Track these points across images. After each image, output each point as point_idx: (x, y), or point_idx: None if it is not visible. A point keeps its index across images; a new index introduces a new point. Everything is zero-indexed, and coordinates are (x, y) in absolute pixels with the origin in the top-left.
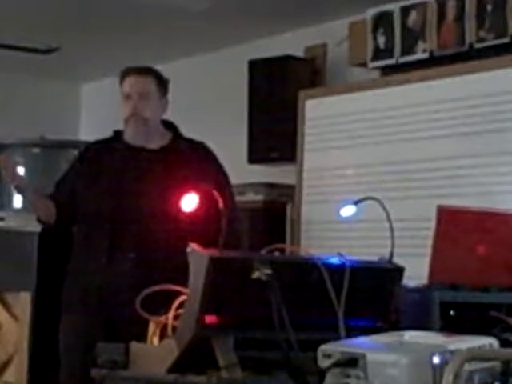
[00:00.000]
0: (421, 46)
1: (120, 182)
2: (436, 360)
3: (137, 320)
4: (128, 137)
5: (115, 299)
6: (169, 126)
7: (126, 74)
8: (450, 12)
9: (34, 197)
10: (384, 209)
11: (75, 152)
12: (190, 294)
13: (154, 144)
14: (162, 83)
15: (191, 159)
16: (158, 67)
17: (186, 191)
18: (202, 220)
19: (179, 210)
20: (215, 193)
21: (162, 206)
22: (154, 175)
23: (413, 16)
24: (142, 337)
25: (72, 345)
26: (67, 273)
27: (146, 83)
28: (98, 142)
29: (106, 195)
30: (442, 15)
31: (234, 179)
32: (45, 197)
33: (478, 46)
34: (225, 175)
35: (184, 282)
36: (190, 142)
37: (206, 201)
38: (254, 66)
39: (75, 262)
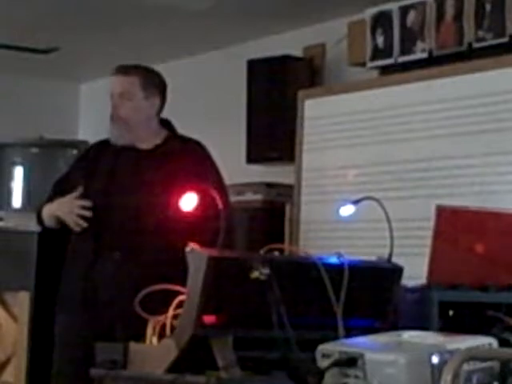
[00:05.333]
0: (419, 45)
1: (110, 181)
2: (435, 360)
3: (120, 319)
4: (111, 138)
5: (99, 298)
6: (165, 124)
7: (113, 73)
8: (449, 11)
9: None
10: (383, 208)
11: (74, 152)
12: (189, 293)
13: (147, 143)
14: (148, 83)
15: (184, 159)
16: (157, 66)
17: (183, 191)
18: (192, 220)
19: (168, 209)
20: (213, 192)
21: (150, 206)
22: (143, 175)
23: (411, 15)
24: (127, 334)
25: (61, 342)
26: (62, 273)
27: (126, 83)
28: (99, 143)
29: (96, 195)
30: (440, 15)
31: (233, 179)
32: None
33: (476, 45)
34: (218, 176)
35: (170, 282)
36: (186, 140)
37: (200, 201)
38: (253, 65)
39: (67, 262)
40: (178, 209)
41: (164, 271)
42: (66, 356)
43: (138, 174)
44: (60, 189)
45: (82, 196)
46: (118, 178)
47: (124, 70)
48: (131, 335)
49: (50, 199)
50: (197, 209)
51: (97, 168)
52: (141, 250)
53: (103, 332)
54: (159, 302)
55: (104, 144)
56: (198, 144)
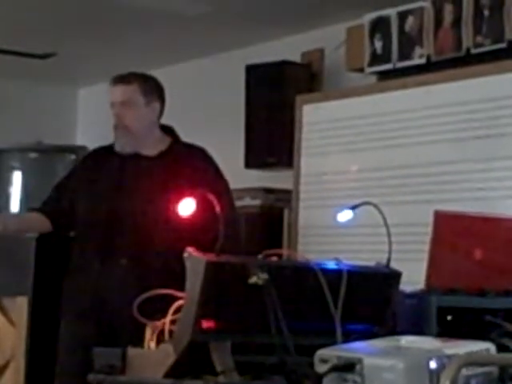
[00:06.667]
0: (418, 51)
1: (116, 188)
2: (433, 365)
3: (127, 324)
4: (117, 147)
5: (105, 304)
6: (168, 131)
7: (111, 82)
8: (447, 17)
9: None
10: (381, 214)
11: (72, 157)
12: (187, 298)
13: (151, 150)
14: (148, 89)
15: (189, 165)
16: (156, 71)
17: (183, 196)
18: (198, 226)
19: (175, 216)
20: (212, 197)
21: (157, 212)
22: (149, 181)
23: (410, 21)
24: (133, 341)
25: (66, 348)
26: (65, 277)
27: (127, 91)
28: (100, 149)
29: (102, 201)
30: (439, 20)
31: (232, 184)
32: (26, 218)
33: (475, 51)
34: (224, 182)
35: (176, 288)
36: (190, 147)
37: (204, 207)
38: (252, 70)
39: (71, 267)
40: (187, 214)
41: (171, 277)
42: (70, 362)
43: (143, 180)
44: (59, 192)
45: (86, 203)
46: (124, 184)
47: (123, 78)
48: (138, 341)
49: (50, 201)
50: (203, 215)
51: (100, 175)
52: (147, 256)
53: (110, 338)
54: (160, 307)
55: (105, 150)
56: (202, 151)
